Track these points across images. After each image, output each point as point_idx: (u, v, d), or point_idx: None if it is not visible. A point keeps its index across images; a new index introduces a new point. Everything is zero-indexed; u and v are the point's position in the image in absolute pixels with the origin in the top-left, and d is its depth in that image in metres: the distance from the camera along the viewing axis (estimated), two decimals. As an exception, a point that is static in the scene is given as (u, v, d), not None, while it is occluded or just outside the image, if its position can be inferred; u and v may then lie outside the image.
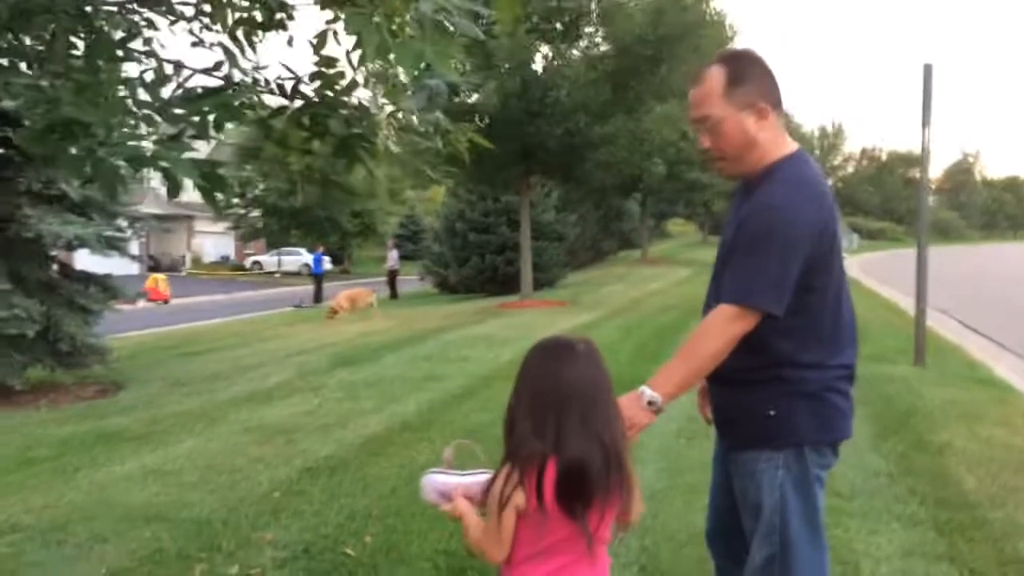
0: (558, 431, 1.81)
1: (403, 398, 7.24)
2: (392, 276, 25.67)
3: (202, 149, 2.65)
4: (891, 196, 78.05)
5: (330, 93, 2.94)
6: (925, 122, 8.82)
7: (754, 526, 2.26)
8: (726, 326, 2.10)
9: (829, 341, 2.23)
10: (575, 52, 15.51)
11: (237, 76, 2.83)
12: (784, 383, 2.20)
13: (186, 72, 2.79)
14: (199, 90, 2.58)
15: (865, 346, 9.69)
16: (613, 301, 16.75)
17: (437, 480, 2.13)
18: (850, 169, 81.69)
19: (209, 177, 2.25)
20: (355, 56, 2.72)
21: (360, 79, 2.93)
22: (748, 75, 2.21)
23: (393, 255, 26.26)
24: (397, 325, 14.27)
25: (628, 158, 15.45)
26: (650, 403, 2.13)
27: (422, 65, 2.28)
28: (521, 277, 17.13)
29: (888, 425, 5.91)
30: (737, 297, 2.10)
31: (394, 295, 25.25)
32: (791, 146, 2.24)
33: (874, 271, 28.82)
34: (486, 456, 2.16)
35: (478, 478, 2.11)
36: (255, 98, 2.89)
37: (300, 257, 42.29)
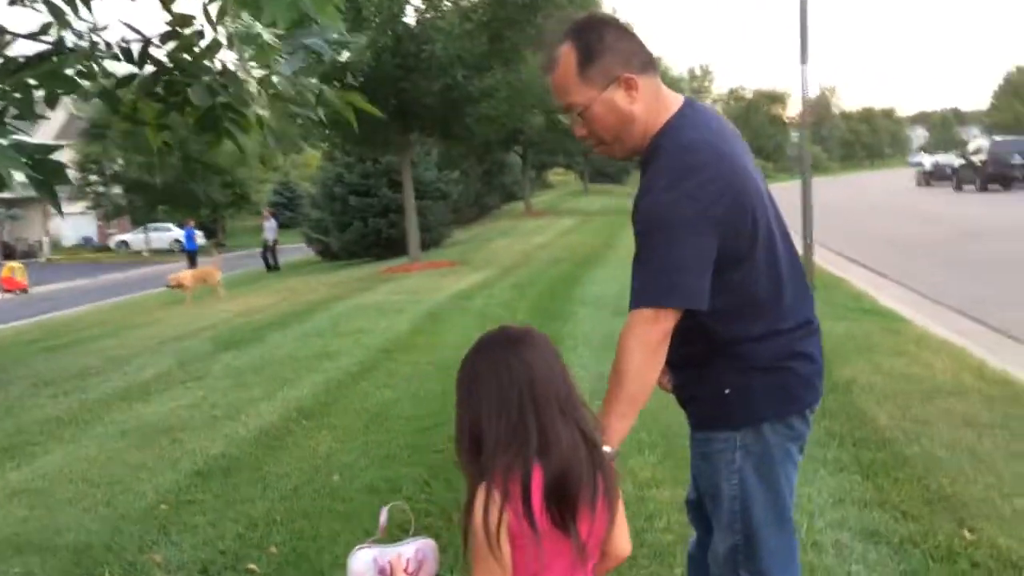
0: (541, 429, 1.55)
1: (296, 381, 6.81)
2: (270, 248, 24.73)
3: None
4: (758, 134, 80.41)
5: (187, 57, 2.51)
6: (803, 59, 8.85)
7: (714, 510, 2.06)
8: (642, 335, 1.83)
9: (776, 305, 1.99)
10: (447, 3, 14.98)
11: (69, 40, 2.36)
12: (737, 359, 1.97)
13: (6, 38, 2.31)
14: (21, 59, 2.12)
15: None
16: (502, 258, 16.52)
17: (368, 556, 1.78)
18: (719, 109, 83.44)
19: (41, 166, 1.82)
20: (214, 10, 2.30)
21: (223, 39, 2.50)
22: (601, 47, 1.91)
23: (270, 225, 25.27)
24: (281, 299, 13.64)
25: (509, 111, 15.11)
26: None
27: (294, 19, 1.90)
28: (408, 239, 16.68)
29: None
30: (643, 299, 1.84)
31: (275, 267, 24.35)
32: (674, 105, 1.96)
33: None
34: (415, 520, 1.89)
35: (415, 546, 1.81)
36: (94, 66, 2.42)
37: (170, 233, 40.39)
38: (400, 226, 19.68)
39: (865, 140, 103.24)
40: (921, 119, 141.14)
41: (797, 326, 2.02)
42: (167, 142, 2.84)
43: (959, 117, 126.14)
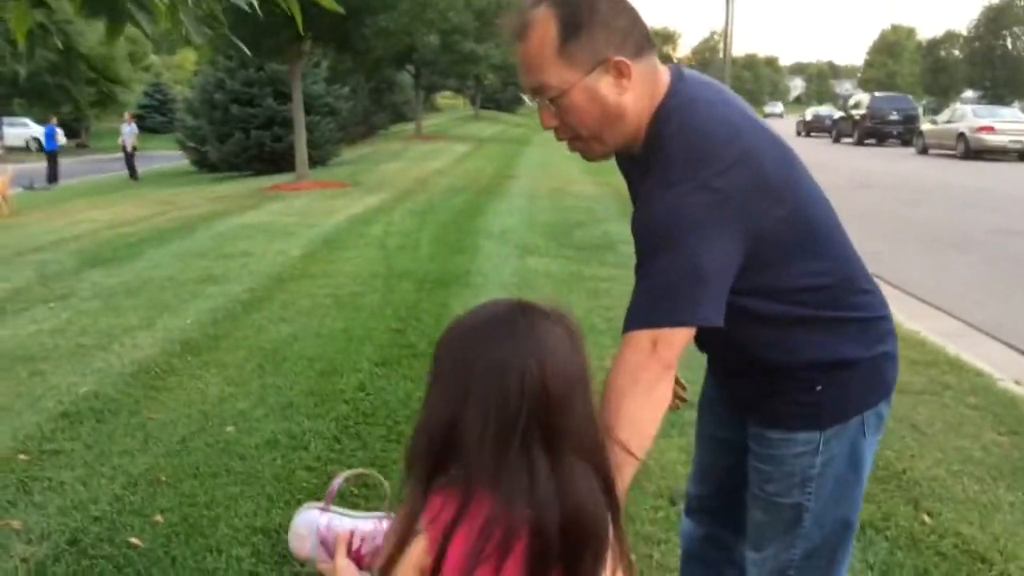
0: (554, 466, 1.12)
1: (178, 308, 6.12)
2: (128, 154, 23.09)
3: None
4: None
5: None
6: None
7: (762, 517, 1.71)
8: (634, 369, 1.42)
9: (864, 277, 1.66)
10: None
11: None
12: (833, 352, 1.62)
13: None
14: None
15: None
16: (396, 181, 15.81)
17: (318, 520, 1.37)
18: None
19: None
20: None
21: None
22: (591, 19, 1.46)
23: (128, 130, 23.54)
24: (155, 212, 12.60)
25: (409, 25, 14.24)
26: None
27: None
28: (296, 155, 15.71)
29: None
30: (634, 320, 1.45)
31: (133, 175, 22.79)
32: (664, 82, 1.53)
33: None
34: (390, 490, 1.42)
35: (378, 524, 1.38)
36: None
37: (27, 130, 37.22)
38: (285, 140, 18.60)
39: (748, 87, 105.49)
40: (798, 70, 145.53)
41: (880, 302, 1.69)
42: (43, 24, 2.20)
43: (834, 71, 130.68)
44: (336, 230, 9.74)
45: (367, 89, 31.32)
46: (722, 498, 1.90)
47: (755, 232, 1.46)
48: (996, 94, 58.48)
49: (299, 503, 3.10)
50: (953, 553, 2.88)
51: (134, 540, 2.86)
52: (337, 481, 1.40)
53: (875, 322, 1.67)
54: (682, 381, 1.99)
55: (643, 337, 1.43)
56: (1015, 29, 63.29)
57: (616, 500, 1.19)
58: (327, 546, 1.35)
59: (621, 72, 1.47)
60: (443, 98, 58.16)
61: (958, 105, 29.90)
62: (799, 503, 1.65)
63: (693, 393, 1.88)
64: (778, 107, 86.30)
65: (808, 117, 41.21)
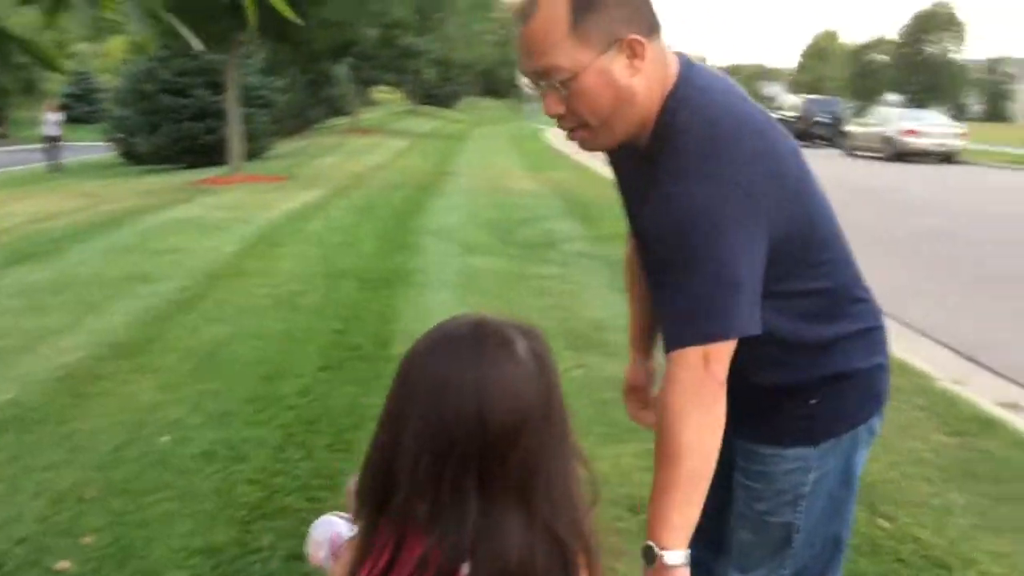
0: (483, 509, 0.98)
1: (106, 307, 5.83)
2: (53, 145, 22.23)
3: None
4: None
5: None
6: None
7: (751, 537, 1.62)
8: (693, 387, 1.34)
9: (861, 287, 1.60)
10: None
11: None
12: (827, 365, 1.56)
13: None
14: None
15: (603, 225, 9.71)
16: (334, 176, 15.51)
17: (334, 527, 1.34)
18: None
19: None
20: None
21: None
22: None
23: (53, 119, 22.67)
24: (81, 206, 12.10)
25: (353, 17, 13.95)
26: (667, 564, 1.32)
27: None
28: (229, 148, 15.28)
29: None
30: (687, 337, 1.35)
31: (54, 167, 21.96)
32: (673, 70, 1.43)
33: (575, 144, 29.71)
34: None
35: None
36: None
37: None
38: (218, 132, 18.06)
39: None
40: (732, 71, 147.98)
41: (879, 311, 1.64)
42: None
43: (766, 73, 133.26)
44: (272, 226, 9.47)
45: (303, 82, 30.73)
46: (703, 517, 1.82)
47: (774, 231, 1.38)
48: (919, 98, 60.33)
49: (241, 520, 2.97)
50: (913, 559, 2.86)
51: (62, 564, 2.66)
52: (352, 483, 1.29)
53: (871, 332, 1.60)
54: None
55: (694, 354, 1.33)
56: (937, 35, 65.43)
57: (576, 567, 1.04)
58: (337, 555, 1.26)
59: (635, 52, 1.36)
60: (380, 92, 57.51)
61: (883, 108, 30.68)
62: (790, 522, 1.58)
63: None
64: None
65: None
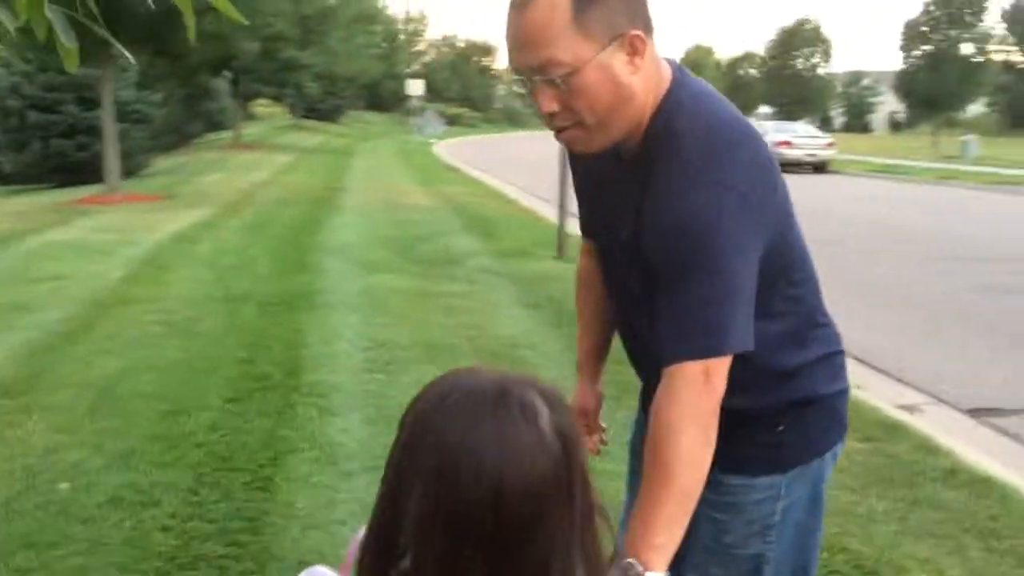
0: None
1: (-17, 342, 5.41)
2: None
3: None
4: (468, 84, 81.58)
5: None
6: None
7: (720, 574, 1.56)
8: (692, 402, 1.29)
9: (824, 314, 1.59)
10: None
11: None
12: (795, 390, 1.53)
13: None
14: None
15: (504, 240, 9.70)
16: (219, 194, 14.97)
17: None
18: (432, 56, 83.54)
19: None
20: None
21: None
22: None
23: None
24: (-58, 229, 11.26)
25: (234, 30, 13.53)
26: None
27: None
28: (105, 165, 14.53)
29: (575, 335, 5.61)
30: (689, 349, 1.30)
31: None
32: (667, 75, 1.40)
33: (467, 158, 29.74)
34: None
35: None
36: None
37: None
38: (91, 149, 17.22)
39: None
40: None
41: (839, 335, 1.62)
42: None
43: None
44: (158, 248, 9.04)
45: (179, 96, 29.65)
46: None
47: (765, 243, 1.35)
48: (788, 111, 63.15)
49: (157, 571, 2.76)
50: (846, 569, 2.90)
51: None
52: (356, 543, 1.17)
53: (834, 357, 1.59)
54: (601, 423, 1.84)
55: (694, 369, 1.29)
56: (805, 50, 68.78)
57: None
58: None
59: (636, 49, 1.31)
60: (261, 106, 56.16)
61: (756, 121, 31.97)
62: (759, 553, 1.54)
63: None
64: None
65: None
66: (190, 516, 3.10)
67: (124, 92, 19.87)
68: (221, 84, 33.39)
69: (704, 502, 1.53)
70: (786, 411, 1.52)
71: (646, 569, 1.23)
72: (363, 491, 3.32)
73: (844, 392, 1.60)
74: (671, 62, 1.43)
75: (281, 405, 4.19)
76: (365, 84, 54.60)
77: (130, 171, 18.89)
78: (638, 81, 1.33)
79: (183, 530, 2.99)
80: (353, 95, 56.63)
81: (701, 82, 1.45)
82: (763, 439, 1.51)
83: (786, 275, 1.46)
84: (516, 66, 1.33)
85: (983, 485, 3.59)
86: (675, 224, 1.31)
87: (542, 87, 1.31)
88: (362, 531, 1.17)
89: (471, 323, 5.76)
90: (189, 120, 32.38)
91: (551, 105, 1.32)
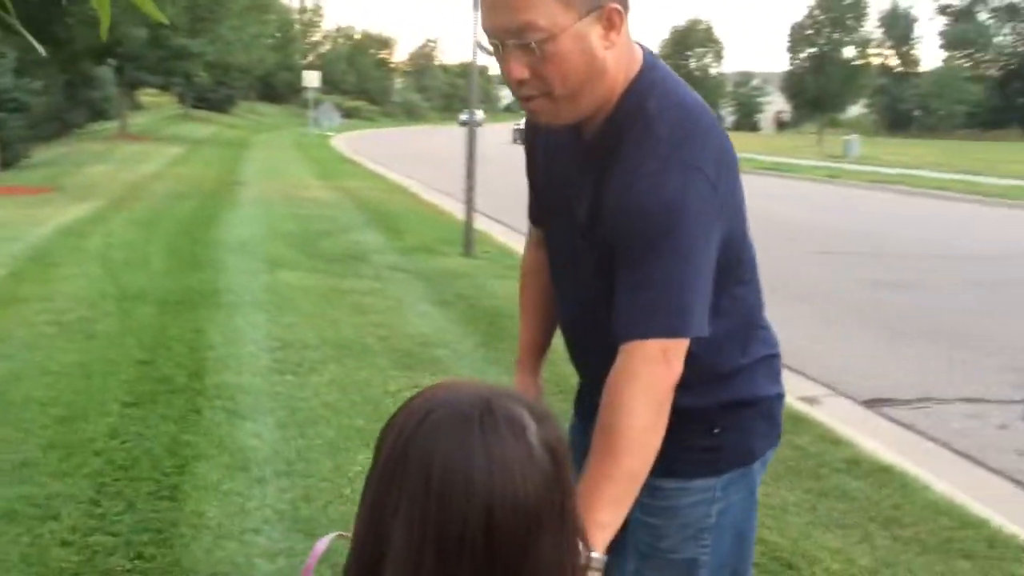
0: None
1: None
2: None
3: None
4: (365, 76, 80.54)
5: None
6: (476, 5, 8.52)
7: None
8: (650, 382, 1.28)
9: (763, 318, 1.58)
10: None
11: None
12: (732, 391, 1.52)
13: None
14: None
15: (409, 236, 9.61)
16: (108, 187, 14.30)
17: None
18: (328, 47, 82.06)
19: None
20: None
21: None
22: None
23: None
24: None
25: (120, 17, 12.94)
26: (592, 566, 1.21)
27: None
28: (-20, 157, 13.73)
29: (490, 332, 5.61)
30: (651, 327, 1.29)
31: None
32: (639, 53, 1.41)
33: (366, 151, 29.38)
34: None
35: None
36: None
37: None
38: (-38, 139, 16.24)
39: (463, 94, 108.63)
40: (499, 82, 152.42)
41: (776, 339, 1.62)
42: None
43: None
44: (45, 243, 8.57)
45: (60, 83, 28.21)
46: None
47: (722, 237, 1.35)
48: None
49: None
50: (763, 561, 2.97)
51: None
52: (320, 547, 1.11)
53: (772, 360, 1.59)
54: None
55: (654, 347, 1.27)
56: (697, 50, 70.58)
57: None
58: None
59: (613, 23, 1.29)
60: (148, 95, 54.03)
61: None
62: (694, 558, 1.52)
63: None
64: (478, 115, 76.84)
65: (523, 125, 42.73)
66: (92, 529, 2.93)
67: (1, 79, 18.81)
68: (105, 72, 31.95)
69: (639, 507, 1.49)
70: (724, 412, 1.50)
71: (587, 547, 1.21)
72: (277, 498, 3.22)
73: (780, 397, 1.60)
74: (643, 46, 1.42)
75: (186, 409, 4.02)
76: (258, 75, 53.27)
77: (7, 162, 17.90)
78: (611, 56, 1.32)
79: (85, 544, 2.83)
80: (246, 86, 55.14)
81: (670, 69, 1.45)
82: (699, 442, 1.49)
83: (736, 274, 1.45)
84: (490, 28, 1.30)
85: (884, 475, 3.75)
86: (643, 203, 1.30)
87: (515, 52, 1.28)
88: (323, 542, 1.12)
89: (382, 321, 5.67)
90: (71, 109, 30.81)
91: (522, 72, 1.29)
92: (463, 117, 72.31)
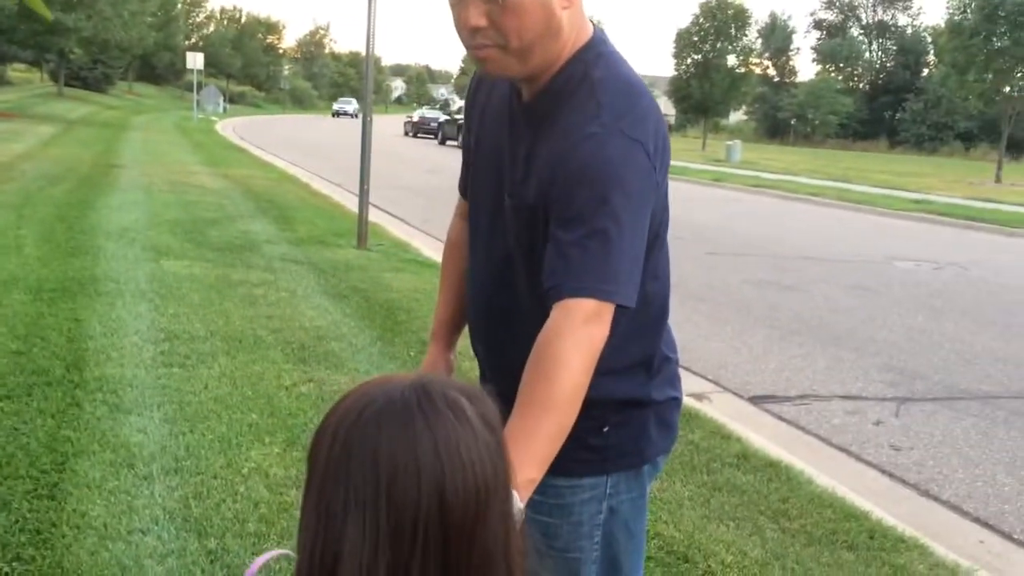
0: None
1: None
2: None
3: None
4: (252, 61, 78.23)
5: None
6: (372, -4, 8.39)
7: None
8: (585, 337, 1.27)
9: (664, 314, 1.57)
10: None
11: None
12: (628, 388, 1.51)
13: None
14: None
15: (301, 227, 9.39)
16: (-29, 166, 13.42)
17: None
18: (212, 28, 79.22)
19: None
20: None
21: None
22: None
23: None
24: None
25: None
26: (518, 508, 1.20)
27: None
28: None
29: (387, 326, 5.52)
30: (589, 287, 1.27)
31: None
32: (588, 28, 1.44)
33: (254, 138, 28.56)
34: None
35: None
36: None
37: None
38: None
39: (353, 84, 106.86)
40: (399, 71, 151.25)
41: (675, 341, 1.64)
42: None
43: (431, 74, 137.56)
44: (-99, 225, 7.96)
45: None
46: None
47: (648, 222, 1.37)
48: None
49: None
50: (660, 555, 3.03)
51: None
52: (259, 562, 1.05)
53: (670, 362, 1.59)
54: None
55: (589, 305, 1.27)
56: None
57: None
58: None
59: None
60: (16, 71, 50.96)
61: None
62: (586, 556, 1.52)
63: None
64: (351, 104, 65.64)
65: (415, 118, 42.39)
66: (-37, 532, 2.73)
67: None
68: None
69: (530, 505, 1.51)
70: (615, 410, 1.49)
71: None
72: (165, 495, 3.08)
73: (676, 401, 1.60)
74: (594, 23, 1.44)
75: (65, 403, 3.80)
76: (138, 54, 51.01)
77: None
78: (567, 18, 1.35)
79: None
80: (125, 65, 52.71)
81: (620, 55, 1.46)
82: (589, 439, 1.46)
83: (652, 270, 1.44)
84: None
85: (772, 469, 3.88)
86: (585, 163, 1.30)
87: (474, 1, 1.28)
88: (259, 561, 1.06)
89: (275, 314, 5.51)
90: (-71, 81, 28.89)
91: (479, 19, 1.30)
92: (336, 107, 67.25)
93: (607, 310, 1.28)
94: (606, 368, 1.40)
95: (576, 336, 1.26)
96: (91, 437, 3.50)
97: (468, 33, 1.32)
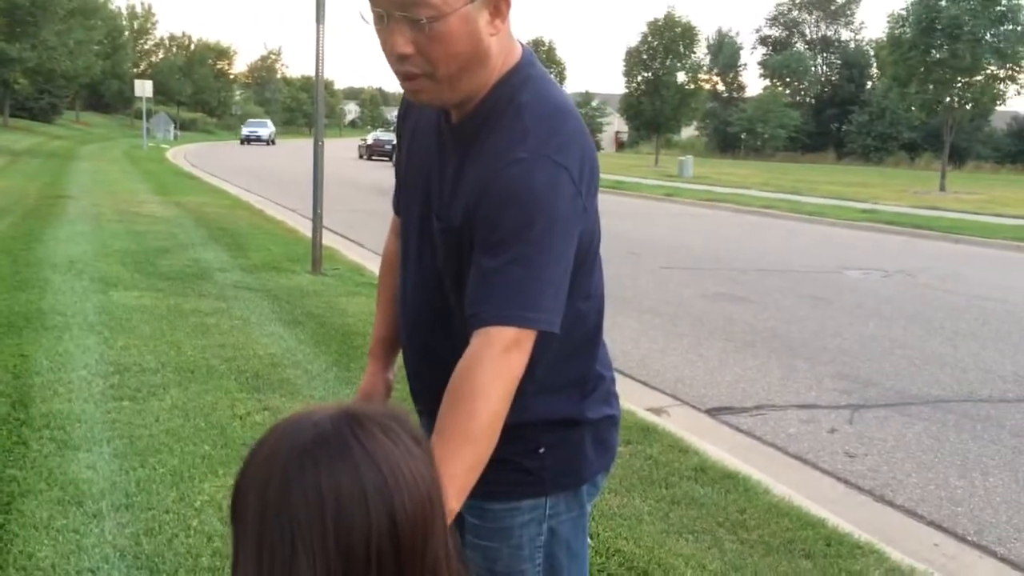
0: None
1: None
2: None
3: None
4: (202, 87, 77.56)
5: None
6: (319, 18, 8.38)
7: None
8: (504, 366, 1.26)
9: (601, 336, 1.56)
10: None
11: None
12: (562, 409, 1.50)
13: None
14: None
15: (254, 254, 9.29)
16: (-89, 200, 13.11)
17: None
18: (161, 55, 78.40)
19: None
20: None
21: None
22: None
23: None
24: None
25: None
26: None
27: None
28: None
29: (343, 351, 5.48)
30: (509, 314, 1.27)
31: None
32: (518, 49, 1.43)
33: (205, 165, 28.26)
34: None
35: None
36: None
37: None
38: None
39: (306, 108, 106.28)
40: (352, 94, 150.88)
41: (610, 361, 1.63)
42: None
43: (384, 97, 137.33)
44: None
45: None
46: None
47: (576, 243, 1.35)
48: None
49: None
50: (620, 572, 3.03)
51: None
52: None
53: (604, 381, 1.58)
54: None
55: (508, 333, 1.26)
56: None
57: None
58: None
59: (500, 11, 1.31)
60: (-42, 102, 49.93)
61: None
62: None
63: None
64: (265, 127, 56.85)
65: (370, 141, 42.51)
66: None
67: None
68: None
69: (470, 530, 1.50)
70: (549, 431, 1.48)
71: None
72: (115, 533, 3.02)
73: (613, 419, 1.59)
74: (523, 44, 1.43)
75: (10, 441, 3.71)
76: (85, 83, 50.33)
77: None
78: (495, 45, 1.33)
79: None
80: (71, 94, 51.93)
81: (547, 72, 1.46)
82: (523, 461, 1.46)
83: (583, 288, 1.44)
84: (379, 1, 1.28)
85: (729, 480, 3.91)
86: (510, 188, 1.29)
87: (401, 26, 1.26)
88: None
89: (228, 343, 5.43)
90: None
91: (406, 47, 1.28)
92: (245, 132, 60.93)
93: (528, 337, 1.28)
94: (539, 388, 1.42)
95: (496, 365, 1.26)
96: (38, 475, 3.42)
97: (395, 60, 1.31)
